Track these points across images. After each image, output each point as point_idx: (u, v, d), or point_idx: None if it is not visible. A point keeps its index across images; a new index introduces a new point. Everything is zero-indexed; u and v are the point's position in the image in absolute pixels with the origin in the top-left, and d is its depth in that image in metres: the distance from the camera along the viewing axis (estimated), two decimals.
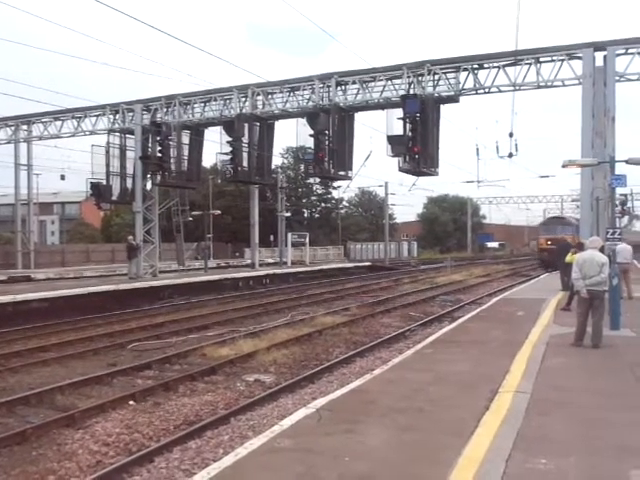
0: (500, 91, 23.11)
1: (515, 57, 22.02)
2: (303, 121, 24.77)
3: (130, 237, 29.32)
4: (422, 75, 23.20)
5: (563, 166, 14.99)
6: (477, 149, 37.44)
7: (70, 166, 49.68)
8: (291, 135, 27.55)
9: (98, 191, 28.66)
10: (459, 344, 10.76)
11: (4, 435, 7.98)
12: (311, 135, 24.06)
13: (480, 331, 12.12)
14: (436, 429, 5.93)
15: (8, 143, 34.90)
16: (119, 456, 7.37)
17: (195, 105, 28.33)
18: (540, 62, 21.92)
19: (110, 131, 29.37)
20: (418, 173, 23.92)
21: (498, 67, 22.46)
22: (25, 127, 33.63)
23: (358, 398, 7.18)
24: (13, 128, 33.72)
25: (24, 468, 7.01)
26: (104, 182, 28.61)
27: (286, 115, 26.96)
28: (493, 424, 5.95)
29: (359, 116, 25.90)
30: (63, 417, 8.74)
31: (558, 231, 36.51)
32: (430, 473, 4.74)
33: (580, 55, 20.99)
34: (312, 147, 24.44)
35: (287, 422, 6.24)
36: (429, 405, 6.77)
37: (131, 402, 9.65)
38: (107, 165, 28.61)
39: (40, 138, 33.72)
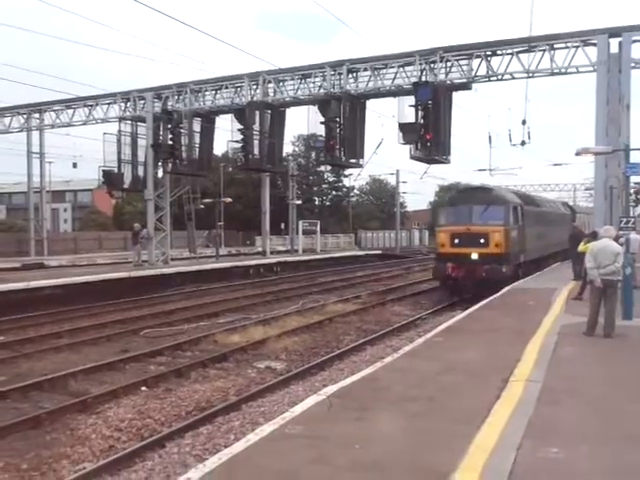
0: (513, 78, 22.86)
1: (529, 43, 21.74)
2: (314, 108, 24.66)
3: (136, 224, 29.36)
4: (434, 62, 23.00)
5: (577, 154, 14.87)
6: (489, 137, 36.94)
7: (82, 154, 49.94)
8: (302, 123, 27.58)
9: (110, 179, 28.74)
10: (470, 333, 10.74)
11: (18, 420, 8.09)
12: (322, 123, 23.95)
13: (491, 320, 12.09)
14: (447, 417, 5.93)
15: (20, 131, 35.05)
16: (131, 441, 7.46)
17: (206, 93, 28.27)
18: (554, 48, 21.64)
19: (121, 119, 29.38)
20: (430, 161, 23.78)
21: (511, 54, 22.20)
22: (37, 115, 33.72)
23: (369, 386, 7.19)
24: (25, 116, 33.82)
25: (38, 452, 7.11)
26: (116, 170, 28.67)
27: (297, 102, 26.84)
28: (504, 413, 5.94)
29: (370, 103, 25.75)
30: (76, 402, 8.84)
31: (477, 217, 19.52)
32: (441, 461, 4.74)
33: (595, 41, 20.69)
34: (323, 135, 24.34)
35: (298, 409, 6.26)
36: (440, 393, 6.77)
37: (143, 388, 9.74)
38: (119, 153, 28.66)
39: (52, 126, 33.81)
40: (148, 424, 8.04)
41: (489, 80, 23.25)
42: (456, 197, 22.38)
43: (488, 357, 8.68)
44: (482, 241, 19.06)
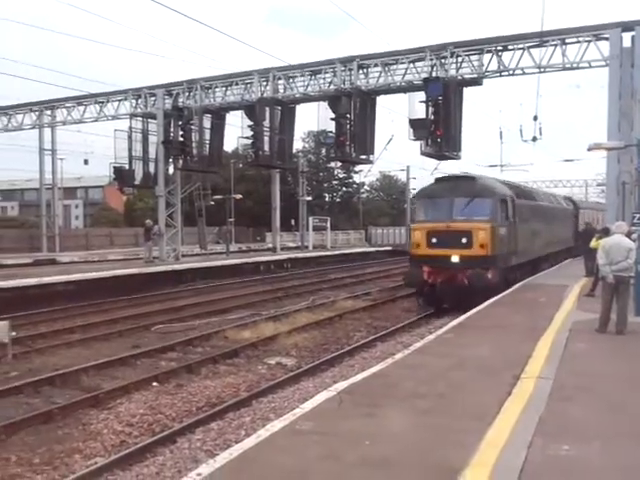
0: (524, 73, 22.69)
1: (540, 38, 21.57)
2: (324, 105, 24.60)
3: (148, 220, 29.54)
4: (445, 57, 22.88)
5: (589, 149, 14.74)
6: (500, 133, 36.92)
7: (93, 151, 50.22)
8: (312, 119, 27.53)
9: (121, 175, 28.84)
10: (481, 329, 10.71)
11: (31, 415, 8.16)
12: (332, 119, 23.90)
13: (502, 316, 12.04)
14: (457, 414, 5.92)
15: (33, 128, 35.24)
16: (143, 436, 7.50)
17: (216, 89, 28.28)
18: (566, 43, 21.46)
19: (132, 116, 29.48)
20: (440, 157, 23.68)
21: (523, 49, 22.03)
22: (49, 112, 33.89)
23: (379, 382, 7.18)
24: (37, 113, 34.01)
25: (50, 447, 7.16)
26: (127, 166, 28.76)
27: (307, 99, 26.79)
28: (515, 410, 5.92)
29: (381, 99, 25.66)
30: (88, 398, 8.91)
31: (458, 211, 16.75)
32: (451, 457, 4.73)
33: (607, 36, 20.49)
34: (333, 131, 24.29)
35: (308, 405, 6.27)
36: (450, 390, 6.75)
37: (155, 383, 9.79)
38: (130, 150, 28.74)
39: (64, 123, 33.98)
40: (159, 419, 8.09)
41: (500, 75, 23.11)
42: (434, 188, 18.50)
43: (499, 353, 8.65)
44: (464, 241, 16.13)
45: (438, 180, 18.78)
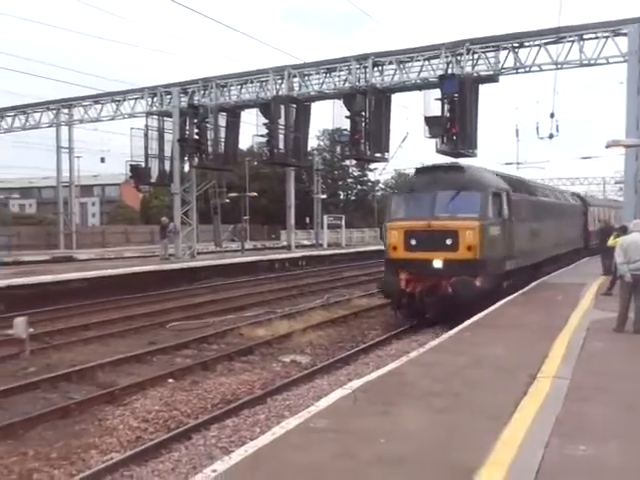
0: (541, 70, 22.52)
1: (557, 34, 21.40)
2: (339, 103, 24.57)
3: (164, 218, 29.72)
4: (461, 55, 22.76)
5: (607, 147, 14.62)
6: (517, 130, 36.79)
7: (110, 149, 50.65)
8: (327, 117, 27.57)
9: (137, 173, 29.03)
10: (497, 328, 10.64)
11: (48, 410, 8.24)
12: (347, 117, 23.86)
13: (518, 315, 11.96)
14: (473, 413, 5.88)
15: (50, 126, 35.56)
16: (158, 432, 7.54)
17: (232, 87, 28.35)
18: (583, 39, 21.25)
19: (148, 114, 29.64)
20: (456, 154, 23.55)
21: (539, 45, 21.85)
22: (66, 111, 34.18)
23: (394, 380, 7.16)
24: (55, 112, 34.31)
25: (67, 441, 7.23)
26: (143, 164, 28.95)
27: (322, 97, 26.77)
28: (531, 409, 5.88)
29: (396, 97, 25.58)
30: (104, 394, 8.98)
31: (442, 207, 14.41)
32: (467, 456, 4.70)
33: (625, 31, 20.26)
34: (348, 129, 24.25)
35: (323, 403, 6.26)
36: (466, 388, 6.72)
37: (170, 380, 9.84)
38: (145, 148, 28.91)
39: (81, 121, 34.26)
40: (175, 416, 8.13)
41: (516, 72, 22.95)
42: (414, 180, 16.26)
43: (515, 352, 8.60)
44: (448, 242, 13.80)
45: (419, 171, 16.52)
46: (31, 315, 13.51)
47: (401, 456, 4.78)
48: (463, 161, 18.67)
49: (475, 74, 22.89)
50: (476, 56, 22.81)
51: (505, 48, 22.39)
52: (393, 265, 14.77)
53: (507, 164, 49.41)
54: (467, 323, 11.04)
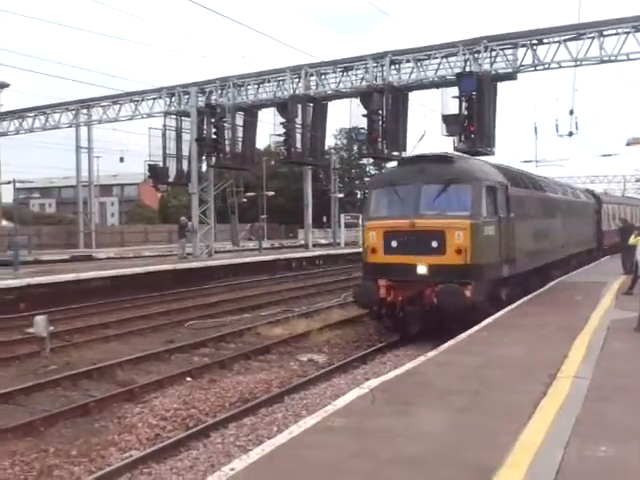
0: (560, 67, 22.33)
1: (577, 31, 21.19)
2: (356, 101, 24.56)
3: (183, 217, 29.93)
4: (478, 52, 22.63)
5: (627, 144, 14.47)
6: (535, 127, 36.49)
7: (128, 149, 51.14)
8: (344, 115, 27.53)
9: (155, 173, 29.25)
10: (515, 328, 10.55)
11: (68, 407, 8.33)
12: (364, 115, 23.83)
13: (537, 315, 11.84)
14: (491, 413, 5.84)
15: (70, 127, 35.96)
16: (176, 430, 7.59)
17: (249, 87, 28.45)
18: (604, 35, 21.02)
19: (166, 114, 29.85)
20: (474, 153, 23.37)
21: (558, 42, 21.66)
22: (85, 111, 34.53)
23: (412, 380, 7.14)
24: (74, 112, 34.66)
25: (87, 439, 7.30)
26: (161, 164, 29.16)
27: (339, 95, 26.78)
28: (551, 409, 5.82)
29: (413, 95, 25.52)
30: (123, 391, 9.07)
31: (427, 204, 12.56)
32: (485, 456, 4.67)
33: None
34: (365, 127, 24.23)
35: (340, 402, 6.26)
36: (484, 388, 6.67)
37: (188, 378, 9.91)
38: (164, 147, 29.13)
39: (100, 122, 34.60)
40: (193, 414, 8.18)
41: (535, 70, 22.77)
42: (396, 172, 14.49)
43: (534, 352, 8.51)
44: (434, 244, 12.03)
45: (402, 162, 14.62)
46: (51, 314, 13.69)
47: (419, 456, 4.76)
48: (482, 159, 17.74)
49: (493, 72, 22.75)
50: (494, 53, 22.66)
51: (523, 45, 22.22)
52: (371, 270, 12.97)
53: (525, 162, 49.02)
54: (484, 323, 10.96)
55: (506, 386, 6.81)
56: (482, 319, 11.01)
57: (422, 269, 12.12)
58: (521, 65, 22.49)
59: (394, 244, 12.46)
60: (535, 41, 22.12)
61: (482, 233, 12.29)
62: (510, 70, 22.68)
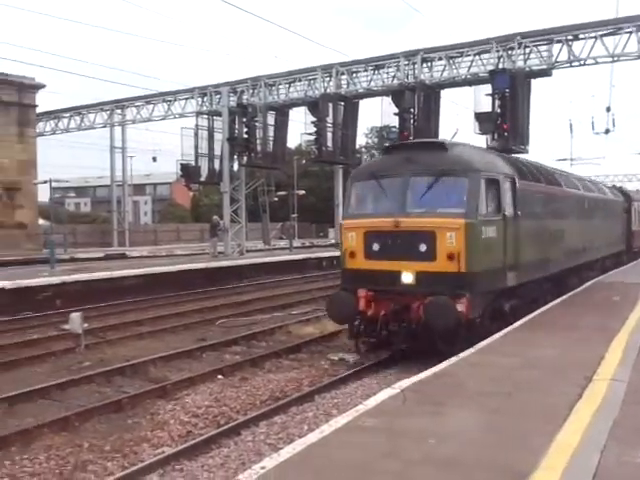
0: (597, 63, 21.95)
1: (615, 26, 20.76)
2: (388, 99, 24.46)
3: (215, 216, 30.19)
4: (512, 49, 22.36)
5: None
6: (570, 125, 35.92)
7: (161, 148, 51.73)
8: (375, 114, 27.52)
9: (187, 172, 29.56)
10: (549, 328, 10.36)
11: (102, 403, 8.46)
12: (396, 114, 23.73)
13: (572, 316, 11.62)
14: (525, 414, 5.74)
15: (104, 127, 36.57)
16: (208, 427, 7.63)
17: (280, 86, 28.58)
18: None
19: (198, 113, 30.15)
20: (507, 151, 23.10)
21: (595, 37, 21.27)
22: (119, 111, 35.11)
23: (444, 380, 7.06)
24: (108, 112, 35.26)
25: (120, 435, 7.39)
26: (193, 163, 29.45)
27: (370, 94, 26.71)
28: (587, 412, 5.69)
29: (445, 93, 25.33)
30: (156, 388, 9.16)
31: (414, 199, 10.52)
32: (519, 459, 4.59)
33: None
34: (397, 126, 24.11)
35: (371, 402, 6.22)
36: (517, 390, 6.56)
37: (219, 376, 9.96)
38: (196, 147, 29.43)
39: (133, 121, 35.16)
40: (224, 412, 8.22)
41: (570, 66, 22.40)
42: (380, 162, 12.60)
43: (569, 354, 8.35)
44: (423, 248, 10.11)
45: (387, 149, 12.74)
46: (86, 310, 13.93)
47: (451, 457, 4.70)
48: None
49: (527, 68, 22.46)
50: (528, 50, 22.37)
51: (559, 41, 21.89)
52: (349, 278, 11.17)
53: (560, 160, 48.16)
54: (518, 324, 10.79)
55: (540, 387, 6.69)
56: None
57: (407, 277, 10.25)
58: (556, 61, 22.16)
59: (376, 247, 10.62)
60: (571, 37, 21.77)
61: (480, 234, 10.37)
62: (545, 66, 22.35)
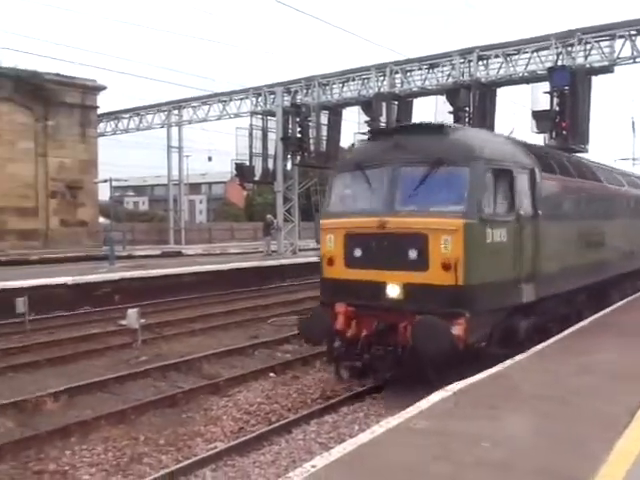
0: None
1: None
2: (442, 98, 24.15)
3: (269, 215, 30.45)
4: (572, 45, 21.72)
5: None
6: (633, 123, 34.66)
7: (216, 148, 52.64)
8: (429, 113, 27.19)
9: (242, 171, 29.91)
10: (607, 333, 10.02)
11: (157, 397, 8.66)
12: (450, 112, 23.40)
13: (631, 321, 11.21)
14: (582, 420, 5.58)
15: (161, 127, 37.39)
16: (259, 425, 7.72)
17: (333, 86, 28.58)
18: None
19: (253, 113, 30.47)
20: (566, 150, 22.47)
21: None
22: (176, 112, 35.82)
23: (497, 383, 6.93)
24: (166, 113, 36.03)
25: (174, 429, 7.55)
26: (247, 163, 29.78)
27: (425, 92, 26.40)
28: None
29: (501, 91, 24.80)
30: (209, 384, 9.32)
31: (404, 195, 8.58)
32: (576, 466, 4.46)
33: None
34: (451, 125, 23.78)
35: (424, 404, 6.16)
36: (574, 395, 6.38)
37: (271, 374, 10.05)
38: (250, 146, 29.73)
39: (190, 122, 35.83)
40: (275, 409, 8.29)
41: (634, 62, 21.60)
42: (365, 150, 10.34)
43: (628, 360, 8.04)
44: (412, 254, 8.29)
45: (375, 134, 11.02)
46: (142, 307, 14.26)
47: (503, 462, 4.61)
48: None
49: (587, 65, 21.79)
50: (589, 46, 21.70)
51: (621, 36, 21.14)
52: (328, 290, 9.49)
53: (622, 160, 46.51)
54: (573, 329, 10.46)
55: (599, 393, 6.49)
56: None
57: (393, 290, 8.42)
58: (618, 57, 21.42)
59: (358, 253, 8.80)
60: (634, 32, 20.99)
61: (483, 238, 8.37)
62: (606, 63, 21.64)
